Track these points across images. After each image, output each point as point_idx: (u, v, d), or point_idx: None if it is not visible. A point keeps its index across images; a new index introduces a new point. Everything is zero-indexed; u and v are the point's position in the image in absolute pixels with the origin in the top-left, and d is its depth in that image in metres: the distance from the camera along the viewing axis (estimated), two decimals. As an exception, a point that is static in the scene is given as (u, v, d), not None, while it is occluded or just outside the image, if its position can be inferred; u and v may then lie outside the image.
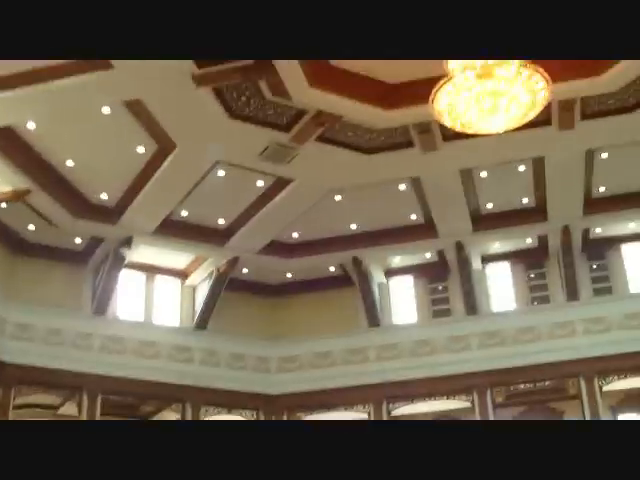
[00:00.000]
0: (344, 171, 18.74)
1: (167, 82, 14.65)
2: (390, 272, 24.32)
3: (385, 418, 21.87)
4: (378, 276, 23.83)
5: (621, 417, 22.15)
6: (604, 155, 18.95)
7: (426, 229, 21.69)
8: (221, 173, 18.48)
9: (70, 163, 17.73)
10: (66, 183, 18.55)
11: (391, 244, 22.30)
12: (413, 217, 21.45)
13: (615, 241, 23.24)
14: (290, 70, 14.68)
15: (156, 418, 22.70)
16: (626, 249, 23.39)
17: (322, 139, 17.37)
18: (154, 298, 23.07)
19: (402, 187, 19.87)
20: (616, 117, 17.21)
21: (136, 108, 15.71)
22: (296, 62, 14.46)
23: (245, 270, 23.17)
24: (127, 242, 20.48)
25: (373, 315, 23.26)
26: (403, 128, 17.27)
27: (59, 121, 15.99)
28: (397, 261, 23.93)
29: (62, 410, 20.90)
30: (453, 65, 13.04)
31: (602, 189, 20.59)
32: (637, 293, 22.60)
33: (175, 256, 22.37)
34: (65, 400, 20.54)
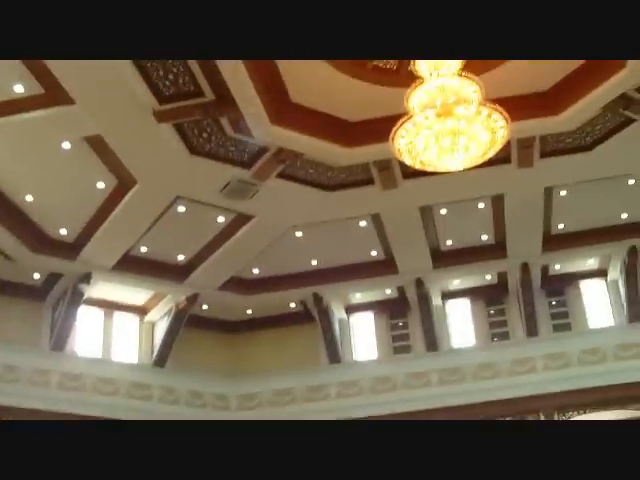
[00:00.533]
0: (305, 208, 18.78)
1: (128, 118, 14.61)
2: (350, 308, 24.32)
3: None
4: (339, 312, 23.80)
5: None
6: (563, 192, 19.19)
7: (386, 265, 21.74)
8: (181, 209, 18.42)
9: (29, 198, 17.56)
10: (25, 218, 18.35)
11: (351, 280, 22.33)
12: (373, 253, 21.51)
13: (574, 277, 23.50)
14: (251, 107, 14.71)
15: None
16: (585, 285, 23.66)
17: (283, 176, 17.41)
18: (113, 334, 22.79)
19: (362, 223, 19.95)
20: (574, 155, 17.50)
21: (96, 143, 15.65)
22: (257, 99, 14.50)
23: (205, 306, 23.03)
24: (86, 278, 20.27)
25: (334, 351, 23.18)
26: (364, 165, 17.37)
27: (18, 155, 15.85)
28: (358, 297, 23.92)
29: (17, 448, 20.52)
30: (413, 103, 13.15)
31: (561, 226, 20.82)
32: (596, 329, 22.83)
33: (134, 292, 22.16)
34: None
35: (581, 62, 15.10)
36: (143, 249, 20.03)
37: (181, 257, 20.75)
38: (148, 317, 23.28)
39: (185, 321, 22.50)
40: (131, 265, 20.47)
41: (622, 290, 22.43)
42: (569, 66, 15.27)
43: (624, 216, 20.62)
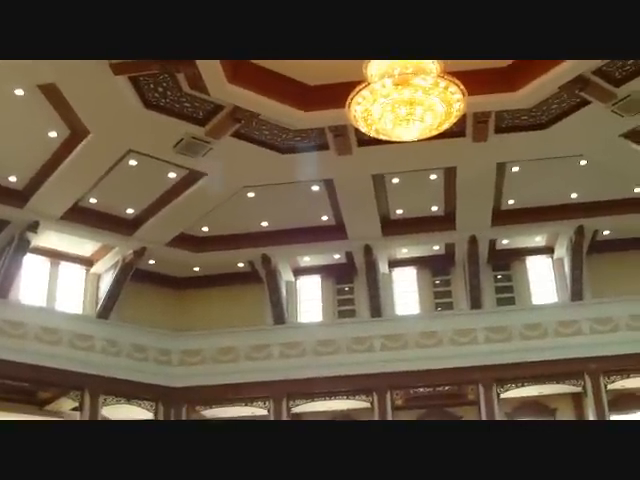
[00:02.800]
0: (258, 169, 18.72)
1: (84, 68, 14.34)
2: (298, 271, 24.40)
3: (285, 415, 21.84)
4: (286, 274, 23.87)
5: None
6: (515, 169, 19.36)
7: (336, 230, 21.84)
8: (133, 162, 18.25)
9: (-21, 143, 17.33)
10: (-26, 163, 18.12)
11: (301, 243, 22.42)
12: (324, 218, 21.57)
13: (520, 253, 23.85)
14: (209, 64, 14.56)
15: (53, 405, 22.27)
16: (531, 261, 24.01)
17: (238, 135, 17.32)
18: (58, 284, 22.65)
19: (315, 188, 20.01)
20: (529, 133, 17.64)
21: (50, 92, 15.38)
22: (215, 58, 14.38)
23: (152, 261, 22.95)
24: (33, 226, 20.06)
25: (279, 313, 23.27)
26: (319, 130, 17.35)
27: (-31, 100, 15.59)
28: (306, 260, 24.02)
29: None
30: (372, 71, 13.12)
31: (511, 202, 21.03)
32: (538, 305, 23.21)
33: (81, 243, 22.00)
34: (-41, 384, 20.02)
35: (541, 40, 15.17)
36: (92, 200, 19.85)
37: (130, 210, 20.61)
38: (94, 269, 23.13)
39: (131, 275, 22.45)
40: (80, 216, 20.31)
41: (567, 268, 22.81)
42: (529, 44, 15.32)
43: (574, 196, 20.89)
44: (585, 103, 16.53)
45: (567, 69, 15.14)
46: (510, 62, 15.81)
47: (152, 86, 15.53)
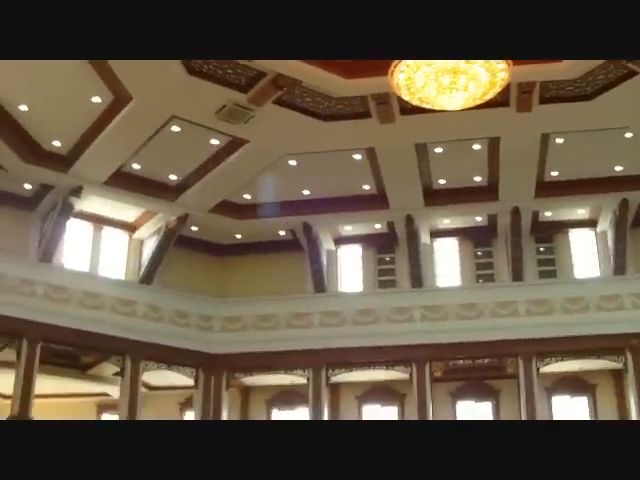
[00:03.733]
0: (300, 136, 18.70)
1: (127, 34, 14.42)
2: (339, 240, 24.41)
3: (324, 384, 21.93)
4: (327, 243, 23.89)
5: (555, 399, 22.52)
6: (559, 140, 19.12)
7: (378, 200, 21.78)
8: (176, 129, 18.31)
9: (24, 108, 17.50)
10: (18, 127, 18.33)
11: (342, 212, 22.43)
12: (366, 187, 21.53)
13: (563, 226, 23.60)
14: (252, 31, 14.54)
15: (95, 369, 22.59)
16: (574, 235, 23.79)
17: (280, 102, 17.29)
18: (101, 249, 22.95)
19: (357, 157, 19.93)
20: (573, 104, 17.40)
21: (94, 57, 15.46)
22: (259, 23, 14.33)
23: (194, 228, 23.10)
24: (77, 191, 20.32)
25: (319, 281, 23.33)
26: (362, 98, 17.27)
27: (15, 65, 15.58)
28: (347, 229, 24.01)
29: (0, 356, 20.68)
30: (416, 39, 13.00)
31: (555, 173, 20.80)
32: (580, 279, 23.01)
33: (124, 209, 22.24)
34: (4, 346, 20.25)
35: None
36: (136, 166, 20.01)
37: (173, 177, 20.73)
38: (137, 234, 23.38)
39: (174, 241, 22.60)
40: (123, 181, 20.51)
41: (610, 242, 22.55)
42: (575, 12, 15.09)
43: (618, 169, 20.59)
44: (632, 74, 16.21)
45: (614, 38, 14.90)
46: (556, 31, 15.58)
47: (195, 52, 15.55)
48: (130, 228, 23.30)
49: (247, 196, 21.97)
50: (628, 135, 18.85)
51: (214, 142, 19.00)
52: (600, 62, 15.82)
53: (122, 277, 23.04)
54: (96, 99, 17.12)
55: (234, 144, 19.07)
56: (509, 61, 12.75)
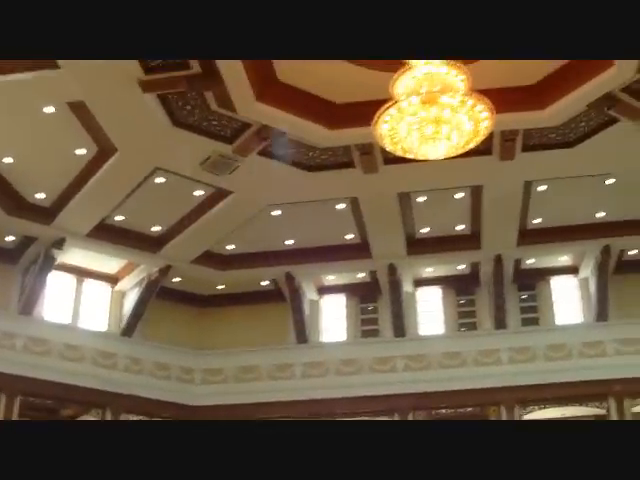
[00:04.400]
0: (284, 187, 18.74)
1: (112, 86, 14.49)
2: (322, 290, 24.38)
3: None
4: (310, 293, 23.86)
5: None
6: (542, 187, 19.28)
7: (361, 249, 21.79)
8: (160, 180, 18.31)
9: (8, 160, 17.41)
10: (2, 180, 18.23)
11: (325, 262, 22.41)
12: (349, 236, 21.55)
13: (545, 273, 23.71)
14: (237, 82, 14.64)
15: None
16: (556, 282, 23.88)
17: (264, 153, 17.34)
18: (82, 301, 22.74)
19: (340, 206, 19.97)
20: (556, 151, 17.57)
21: (79, 109, 15.48)
22: (244, 74, 14.43)
23: (177, 279, 23.01)
24: (59, 243, 20.20)
25: (302, 332, 23.26)
26: (345, 148, 17.35)
27: (0, 117, 15.67)
28: (330, 279, 23.99)
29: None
30: (399, 89, 13.13)
31: (537, 220, 20.93)
32: (562, 326, 23.05)
33: (107, 260, 22.10)
34: (-18, 398, 20.06)
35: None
36: (119, 218, 19.94)
37: (156, 228, 20.69)
38: (119, 286, 23.24)
39: (156, 292, 22.49)
40: (106, 233, 20.42)
41: (592, 288, 22.68)
42: (557, 61, 15.32)
43: (600, 215, 20.76)
44: (613, 121, 16.46)
45: (596, 86, 15.11)
46: (539, 79, 15.81)
47: (180, 104, 15.59)
48: (112, 280, 23.17)
49: (230, 247, 21.93)
50: (610, 182, 19.05)
51: (198, 193, 18.99)
52: (583, 109, 16.05)
53: (103, 329, 22.82)
54: (80, 151, 17.09)
55: (218, 195, 19.06)
56: (492, 109, 12.89)
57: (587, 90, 15.27)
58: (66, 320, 22.23)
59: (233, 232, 20.86)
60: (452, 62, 12.91)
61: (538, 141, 17.31)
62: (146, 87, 14.70)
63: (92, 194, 18.36)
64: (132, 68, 14.04)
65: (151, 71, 14.34)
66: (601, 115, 16.33)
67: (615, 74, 14.67)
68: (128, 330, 22.47)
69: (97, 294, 23.09)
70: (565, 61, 15.23)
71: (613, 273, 22.36)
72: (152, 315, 22.77)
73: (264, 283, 23.74)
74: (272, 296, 23.89)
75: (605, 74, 14.78)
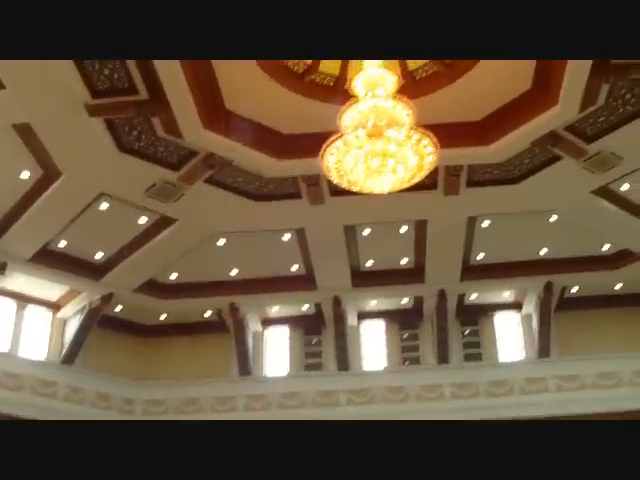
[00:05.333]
0: (230, 216, 18.71)
1: (59, 109, 14.38)
2: (266, 321, 24.26)
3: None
4: (254, 324, 23.72)
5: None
6: (485, 223, 19.49)
7: (306, 281, 21.78)
8: (104, 206, 18.13)
9: (-51, 184, 17.16)
10: (-59, 202, 17.93)
11: (270, 293, 22.33)
12: (294, 268, 21.53)
13: (489, 308, 23.87)
14: (184, 109, 14.62)
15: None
16: (499, 317, 24.03)
17: (211, 181, 17.31)
18: (23, 328, 22.30)
19: (286, 237, 19.98)
20: (500, 187, 17.80)
21: (25, 132, 15.31)
22: (191, 101, 14.41)
23: (119, 307, 22.74)
24: (1, 268, 19.84)
25: (245, 364, 23.08)
26: (292, 179, 17.40)
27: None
28: (274, 311, 23.89)
29: None
30: (346, 122, 13.19)
31: (481, 256, 21.12)
32: (505, 362, 23.15)
33: (49, 287, 21.74)
34: None
35: (515, 95, 15.43)
36: (62, 243, 19.67)
37: (100, 255, 20.44)
38: (60, 313, 22.85)
39: (98, 321, 22.18)
40: (48, 259, 20.09)
41: (535, 325, 22.87)
42: (502, 98, 15.57)
43: (543, 251, 21.03)
44: (557, 159, 16.77)
45: (540, 125, 15.40)
46: (484, 116, 16.03)
47: (127, 129, 15.51)
48: (54, 307, 22.79)
49: (173, 275, 21.77)
50: (553, 218, 19.33)
51: (142, 220, 18.85)
52: (527, 146, 16.29)
53: (43, 357, 22.43)
54: (25, 174, 16.84)
55: (163, 222, 18.95)
56: (437, 144, 13.00)
57: (531, 128, 15.55)
58: (6, 347, 21.77)
59: (177, 261, 20.73)
60: (398, 96, 13.05)
61: (482, 177, 17.54)
62: (93, 111, 14.61)
63: (35, 218, 18.10)
64: (79, 92, 13.97)
65: (99, 95, 14.26)
66: (545, 152, 16.62)
67: (559, 113, 14.94)
68: (69, 359, 22.09)
69: (38, 321, 22.68)
70: (510, 98, 15.49)
71: (555, 310, 22.53)
72: (93, 344, 22.41)
73: (207, 314, 23.55)
74: (215, 327, 23.67)
75: (549, 113, 15.07)
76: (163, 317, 23.73)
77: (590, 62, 13.43)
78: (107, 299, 21.81)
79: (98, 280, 21.11)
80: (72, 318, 22.78)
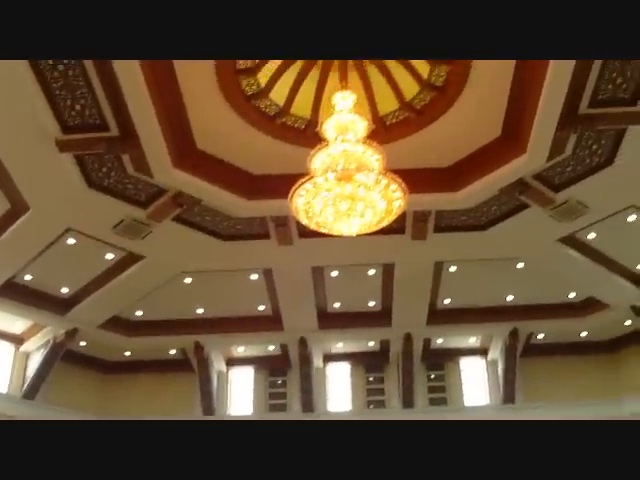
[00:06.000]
0: (197, 254, 18.65)
1: (29, 143, 14.25)
2: (231, 361, 24.18)
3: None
4: (219, 364, 23.61)
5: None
6: (452, 268, 19.59)
7: (272, 321, 21.74)
8: (71, 241, 17.97)
9: None
10: None
11: (236, 333, 22.26)
12: (261, 308, 21.50)
13: (455, 353, 23.96)
14: (155, 147, 14.58)
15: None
16: (464, 362, 24.10)
17: (179, 219, 17.26)
18: (-16, 361, 22.06)
19: (254, 277, 19.95)
20: (467, 233, 17.89)
21: (-8, 165, 15.18)
22: (162, 139, 14.37)
23: (83, 343, 22.54)
24: (-37, 301, 19.65)
25: (208, 404, 22.94)
26: (261, 219, 17.39)
27: None
28: (240, 351, 23.79)
29: None
30: (316, 165, 13.21)
31: (447, 301, 21.21)
32: (470, 407, 23.14)
33: (12, 320, 21.49)
34: None
35: (484, 143, 15.54)
36: (27, 277, 19.47)
37: (65, 290, 20.27)
38: (24, 347, 22.61)
39: (61, 355, 21.95)
40: (13, 292, 19.84)
41: (500, 370, 22.94)
42: (471, 146, 15.69)
43: (509, 298, 21.16)
44: (524, 207, 16.89)
45: (508, 172, 15.51)
46: (453, 162, 16.14)
47: (97, 165, 15.40)
48: (17, 340, 22.54)
49: (139, 312, 21.63)
50: (519, 265, 19.48)
51: (109, 256, 18.73)
52: (494, 193, 16.40)
53: (4, 391, 22.13)
54: (-9, 207, 16.72)
55: (129, 259, 18.85)
56: (405, 189, 13.03)
57: (499, 175, 15.65)
58: (-34, 380, 21.55)
59: (143, 298, 20.60)
60: (368, 141, 13.09)
61: (450, 222, 17.63)
62: (63, 147, 14.50)
63: (1, 251, 17.87)
64: (50, 126, 13.88)
65: (69, 130, 14.17)
66: (513, 200, 16.72)
67: (527, 161, 15.06)
68: (30, 393, 21.82)
69: (0, 354, 22.43)
70: (479, 145, 15.61)
71: (521, 356, 22.66)
72: (56, 378, 22.18)
73: (172, 352, 23.42)
74: (180, 365, 23.56)
75: (517, 161, 15.18)
76: (127, 354, 23.56)
77: (559, 112, 13.56)
78: (71, 334, 21.61)
79: (63, 315, 20.91)
80: (35, 352, 22.53)
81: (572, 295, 21.21)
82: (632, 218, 17.28)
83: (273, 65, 14.20)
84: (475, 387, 23.79)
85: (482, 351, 23.87)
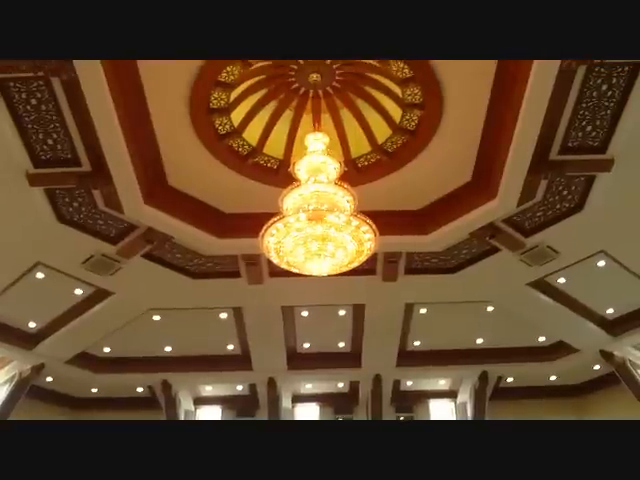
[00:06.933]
0: (167, 292, 18.55)
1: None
2: (199, 400, 24.00)
3: None
4: (186, 403, 23.45)
5: None
6: (422, 310, 19.62)
7: (241, 361, 21.64)
8: (40, 275, 17.82)
9: None
10: None
11: (204, 372, 22.09)
12: (230, 347, 21.40)
13: (424, 396, 23.94)
14: (126, 183, 14.52)
15: None
16: (434, 405, 24.04)
17: (149, 256, 17.18)
18: (-53, 396, 21.70)
19: (223, 315, 19.87)
20: (437, 276, 17.94)
21: (-39, 199, 15.06)
22: (133, 176, 14.33)
23: (49, 378, 22.30)
24: None
25: (175, 442, 22.65)
26: (232, 257, 17.35)
27: None
28: (208, 390, 23.64)
29: None
30: (287, 204, 13.24)
31: (417, 343, 21.22)
32: (438, 449, 23.05)
33: (-23, 354, 21.24)
34: None
35: (455, 187, 15.65)
36: (-6, 312, 19.29)
37: (32, 324, 20.04)
38: (-12, 382, 22.32)
39: (27, 391, 21.67)
40: (-23, 327, 19.66)
41: (469, 413, 22.93)
42: (442, 189, 15.79)
43: (479, 341, 21.21)
44: (494, 250, 17.00)
45: (479, 216, 15.59)
46: (424, 205, 16.21)
47: (67, 200, 15.32)
48: (-19, 375, 22.27)
49: (107, 349, 21.45)
50: (489, 309, 19.56)
51: (78, 292, 18.57)
52: (465, 237, 16.48)
53: (-33, 427, 21.80)
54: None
55: (98, 295, 18.69)
56: (376, 231, 13.07)
57: (470, 219, 15.73)
58: None
59: (111, 334, 20.42)
60: (340, 183, 13.14)
61: (420, 265, 17.69)
62: (34, 181, 14.43)
63: (-32, 285, 17.77)
64: (21, 160, 13.82)
65: (41, 165, 14.11)
66: (483, 244, 16.82)
67: (498, 206, 15.15)
68: (-6, 429, 21.48)
69: (-36, 389, 22.13)
70: (451, 189, 15.71)
71: (490, 399, 22.66)
72: (21, 414, 21.81)
73: (140, 389, 23.23)
74: (147, 403, 23.32)
75: (488, 205, 15.27)
76: (95, 390, 23.34)
77: (530, 158, 13.68)
78: (38, 369, 21.34)
79: (30, 349, 20.63)
80: (0, 387, 22.24)
81: (542, 339, 21.29)
82: (602, 263, 17.37)
83: (247, 105, 14.28)
84: (444, 430, 23.70)
85: (451, 394, 23.85)
